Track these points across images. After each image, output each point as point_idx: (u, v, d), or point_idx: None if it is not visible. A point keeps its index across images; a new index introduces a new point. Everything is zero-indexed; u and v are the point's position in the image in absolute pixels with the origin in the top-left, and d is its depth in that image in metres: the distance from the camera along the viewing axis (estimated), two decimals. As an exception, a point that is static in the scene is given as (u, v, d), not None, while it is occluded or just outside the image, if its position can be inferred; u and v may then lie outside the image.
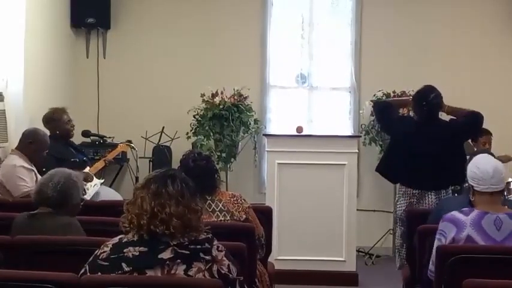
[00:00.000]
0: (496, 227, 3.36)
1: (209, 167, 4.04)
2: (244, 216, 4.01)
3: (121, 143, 6.75)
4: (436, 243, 3.51)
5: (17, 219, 3.69)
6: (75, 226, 3.61)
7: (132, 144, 6.79)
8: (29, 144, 5.46)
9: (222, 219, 3.96)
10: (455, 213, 3.47)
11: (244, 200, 4.12)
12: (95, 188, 5.87)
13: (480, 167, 3.45)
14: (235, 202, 4.04)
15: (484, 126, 6.87)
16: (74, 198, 3.70)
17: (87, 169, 5.96)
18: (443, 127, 5.38)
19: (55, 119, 6.09)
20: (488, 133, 6.77)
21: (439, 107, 5.41)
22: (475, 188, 3.47)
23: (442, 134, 5.31)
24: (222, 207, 3.99)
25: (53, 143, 5.89)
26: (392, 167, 5.50)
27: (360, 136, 7.04)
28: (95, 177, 5.99)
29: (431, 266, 3.56)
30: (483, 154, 3.74)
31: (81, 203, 3.79)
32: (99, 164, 6.25)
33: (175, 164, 6.80)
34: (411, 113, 6.92)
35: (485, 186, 3.43)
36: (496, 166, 3.46)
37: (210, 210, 3.95)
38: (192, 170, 3.89)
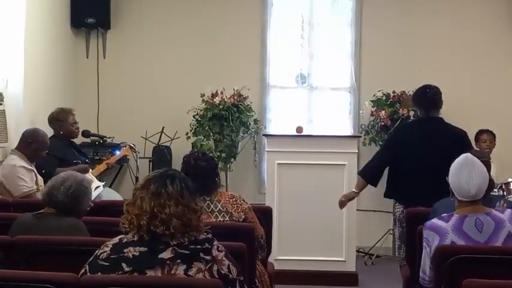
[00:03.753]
0: (477, 229, 3.33)
1: (209, 168, 4.02)
2: (243, 217, 4.01)
3: (124, 146, 6.75)
4: (423, 251, 3.48)
5: (21, 218, 3.69)
6: (81, 227, 3.61)
7: (135, 148, 6.78)
8: (29, 144, 5.46)
9: (221, 219, 3.95)
10: (435, 221, 3.43)
11: (244, 200, 4.11)
12: (97, 191, 5.87)
13: (463, 184, 3.36)
14: (234, 203, 4.03)
15: (485, 126, 6.92)
16: (83, 205, 3.71)
17: (89, 171, 5.97)
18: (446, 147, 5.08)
19: (60, 119, 6.12)
20: (489, 132, 6.77)
21: (441, 97, 5.34)
22: (454, 194, 3.43)
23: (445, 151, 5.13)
24: (221, 208, 3.99)
25: (56, 143, 5.90)
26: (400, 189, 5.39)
27: (360, 136, 7.03)
28: (96, 180, 5.99)
29: (422, 275, 3.53)
30: (472, 166, 3.41)
31: (88, 208, 3.79)
32: (101, 167, 6.27)
33: (175, 164, 6.83)
34: (411, 113, 6.96)
35: (465, 198, 3.38)
36: (480, 186, 3.35)
37: (209, 210, 3.95)
38: (192, 168, 3.91)
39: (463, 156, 3.47)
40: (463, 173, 3.37)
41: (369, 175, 5.42)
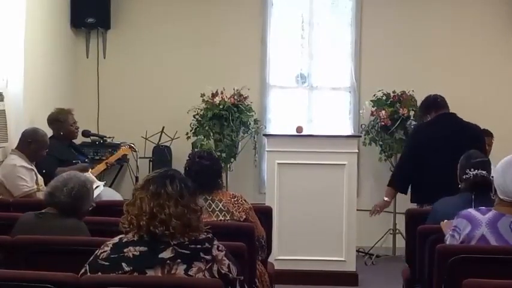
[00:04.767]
0: (511, 230, 3.31)
1: (212, 167, 4.05)
2: (244, 217, 4.01)
3: (123, 145, 6.74)
4: (449, 240, 3.48)
5: (24, 218, 3.69)
6: (82, 228, 3.61)
7: (135, 147, 6.76)
8: (29, 144, 5.46)
9: (222, 219, 3.96)
10: (472, 211, 3.43)
11: (245, 200, 4.11)
12: (97, 190, 5.85)
13: (508, 184, 3.32)
14: (236, 202, 4.04)
15: (485, 126, 6.91)
16: (85, 205, 3.70)
17: (89, 171, 5.96)
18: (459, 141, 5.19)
19: (60, 120, 6.10)
20: (489, 134, 6.75)
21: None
22: (497, 192, 3.40)
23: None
24: (222, 207, 3.99)
25: (56, 143, 5.89)
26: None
27: (360, 136, 7.03)
28: (96, 179, 5.98)
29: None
30: None
31: (90, 208, 3.79)
32: (101, 167, 6.26)
33: (175, 164, 6.84)
34: (411, 113, 6.96)
35: (507, 198, 3.35)
36: None
37: (210, 210, 3.95)
38: (195, 165, 3.98)
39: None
40: (510, 172, 3.35)
41: (399, 185, 5.56)
